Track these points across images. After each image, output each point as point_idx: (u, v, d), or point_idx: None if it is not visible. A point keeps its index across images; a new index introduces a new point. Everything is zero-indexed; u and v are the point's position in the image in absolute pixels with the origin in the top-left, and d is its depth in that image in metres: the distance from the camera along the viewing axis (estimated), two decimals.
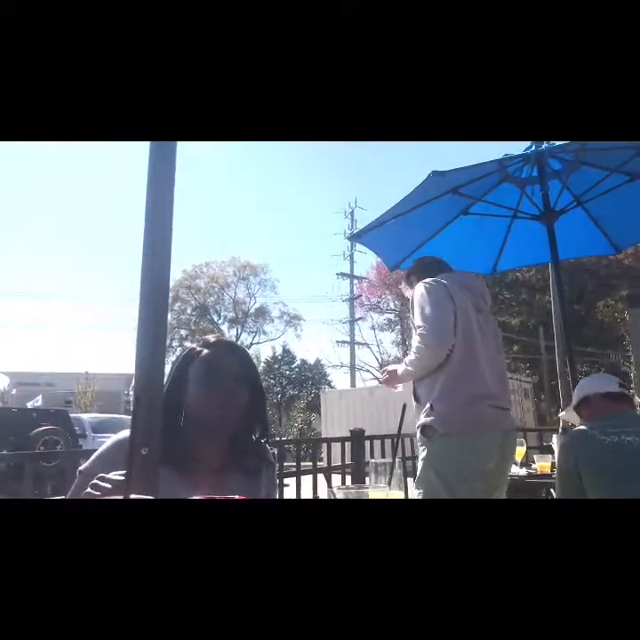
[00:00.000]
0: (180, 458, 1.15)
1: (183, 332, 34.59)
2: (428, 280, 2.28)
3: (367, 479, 3.27)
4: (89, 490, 0.90)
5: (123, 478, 0.90)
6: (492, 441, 2.08)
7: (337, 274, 30.76)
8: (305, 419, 29.29)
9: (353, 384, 27.70)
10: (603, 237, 3.50)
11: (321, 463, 3.09)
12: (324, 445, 3.24)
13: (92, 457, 1.19)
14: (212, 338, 1.32)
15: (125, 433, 1.19)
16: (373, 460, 1.03)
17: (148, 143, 0.77)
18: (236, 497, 0.77)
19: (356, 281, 30.80)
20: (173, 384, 1.22)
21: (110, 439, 1.22)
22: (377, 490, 0.94)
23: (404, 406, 1.07)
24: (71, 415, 11.50)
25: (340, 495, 0.94)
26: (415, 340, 2.12)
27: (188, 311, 35.38)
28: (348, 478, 3.27)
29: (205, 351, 1.26)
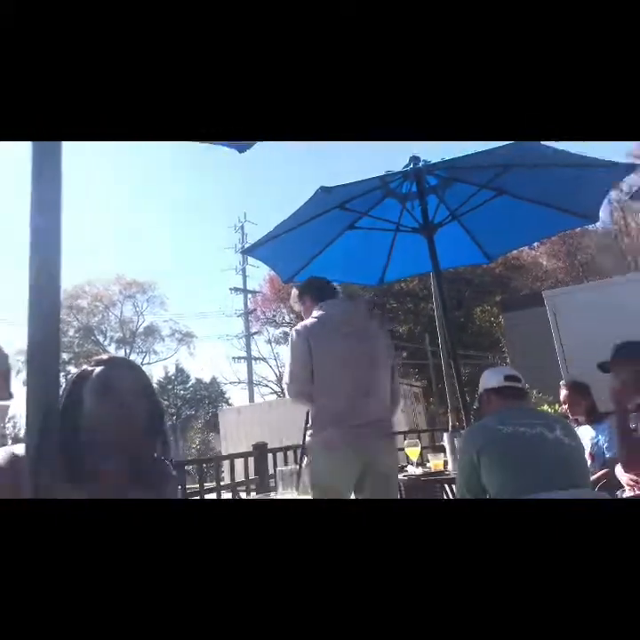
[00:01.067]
0: (84, 477, 1.12)
1: (65, 356, 32.34)
2: (294, 330, 2.67)
3: (273, 492, 3.26)
4: None
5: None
6: (342, 457, 2.30)
7: (230, 288, 30.46)
8: (203, 439, 28.52)
9: (251, 400, 27.44)
10: (476, 248, 3.82)
11: (224, 482, 3.05)
12: (226, 463, 3.20)
13: None
14: (104, 356, 1.32)
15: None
16: (280, 468, 1.05)
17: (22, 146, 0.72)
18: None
19: (249, 295, 30.69)
20: (68, 405, 1.19)
21: None
22: (285, 495, 0.96)
23: (308, 414, 1.11)
24: None
25: None
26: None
27: (71, 333, 33.16)
28: (254, 494, 3.26)
29: (98, 369, 1.25)
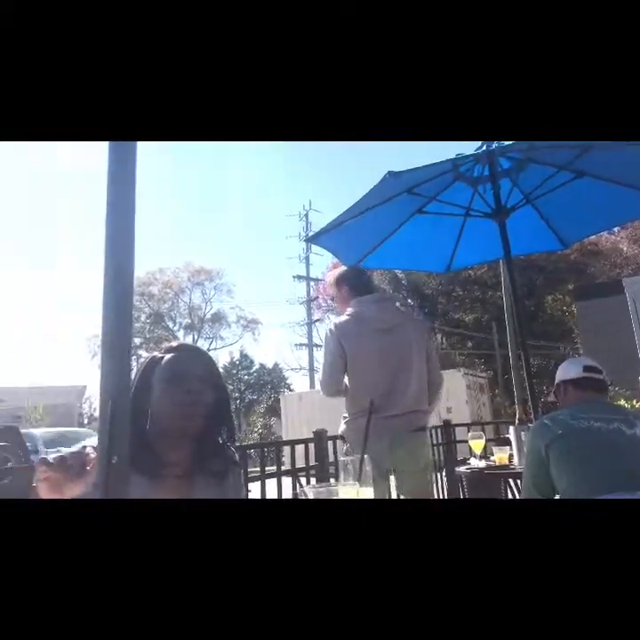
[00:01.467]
0: (149, 464, 1.14)
1: (137, 341, 33.83)
2: (328, 329, 2.85)
3: (332, 479, 3.27)
4: (37, 474, 0.92)
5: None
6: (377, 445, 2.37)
7: (294, 276, 30.79)
8: (265, 423, 29.13)
9: (312, 386, 27.73)
10: (551, 233, 3.62)
11: (284, 466, 3.07)
12: (286, 448, 3.22)
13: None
14: (174, 343, 1.34)
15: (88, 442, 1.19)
16: (342, 458, 1.02)
17: (99, 146, 0.74)
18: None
19: (312, 283, 30.88)
20: (138, 391, 1.21)
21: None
22: (347, 487, 0.93)
23: (371, 403, 1.07)
24: (22, 431, 11.11)
25: (310, 494, 0.93)
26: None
27: (142, 319, 34.62)
28: (313, 480, 3.27)
29: (168, 356, 1.27)
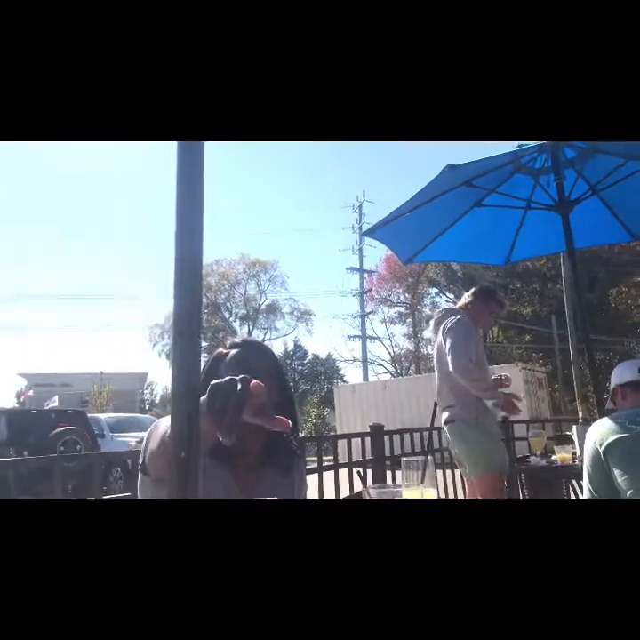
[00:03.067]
0: (222, 456, 1.17)
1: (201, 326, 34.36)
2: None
3: (390, 478, 3.27)
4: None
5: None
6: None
7: (347, 268, 30.72)
8: (319, 413, 29.35)
9: (365, 378, 27.72)
10: (619, 225, 3.47)
11: (340, 460, 3.10)
12: (342, 441, 3.25)
13: (142, 451, 1.18)
14: (238, 339, 1.37)
15: (161, 421, 1.24)
16: (405, 459, 1.03)
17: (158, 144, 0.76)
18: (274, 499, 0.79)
19: (365, 275, 30.74)
20: (206, 385, 1.23)
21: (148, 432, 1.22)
22: (411, 489, 0.95)
23: (436, 404, 1.08)
24: (89, 415, 11.61)
25: (374, 495, 0.95)
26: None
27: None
28: (369, 473, 3.29)
29: (234, 351, 1.30)
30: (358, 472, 3.09)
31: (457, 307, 3.41)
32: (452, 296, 27.96)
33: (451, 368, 2.98)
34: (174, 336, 0.84)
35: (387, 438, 3.34)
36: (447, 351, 3.05)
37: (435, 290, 28.83)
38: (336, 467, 2.91)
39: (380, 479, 3.23)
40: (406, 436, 3.61)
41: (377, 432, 3.26)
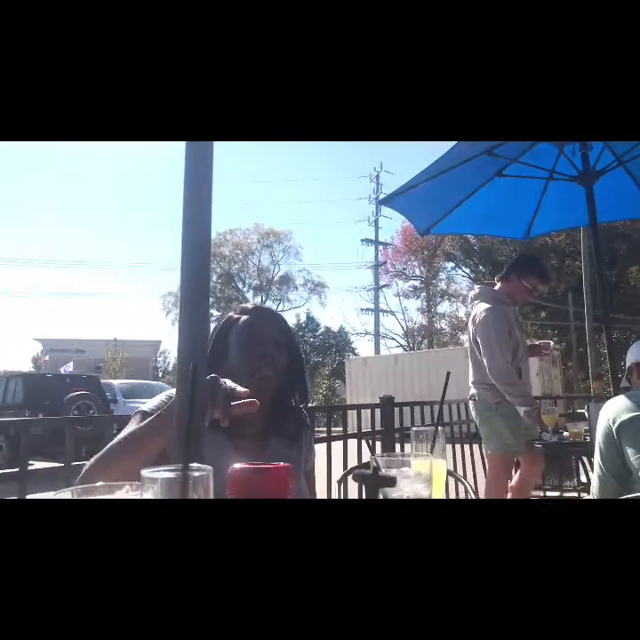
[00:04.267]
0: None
1: (209, 300, 34.62)
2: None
3: (399, 447, 3.27)
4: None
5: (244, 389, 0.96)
6: None
7: (362, 240, 30.40)
8: (329, 385, 29.53)
9: (377, 351, 27.72)
10: None
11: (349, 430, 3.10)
12: (351, 412, 3.24)
13: (153, 400, 1.18)
14: (249, 305, 1.34)
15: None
16: (415, 428, 1.01)
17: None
18: (281, 464, 0.77)
19: (381, 247, 30.43)
20: (215, 351, 1.22)
21: (165, 393, 1.22)
22: (419, 458, 0.92)
23: (448, 374, 1.04)
24: (102, 381, 11.81)
25: (381, 463, 0.93)
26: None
27: (214, 279, 35.49)
28: (378, 445, 3.29)
29: (244, 317, 1.27)
30: (367, 442, 3.09)
31: (495, 280, 3.30)
32: (467, 270, 27.66)
33: (487, 370, 3.02)
34: (180, 304, 0.82)
35: (397, 410, 3.32)
36: (482, 352, 3.06)
37: (451, 264, 28.56)
38: (345, 437, 2.91)
39: (389, 450, 3.23)
40: (417, 408, 3.59)
41: (387, 403, 3.25)
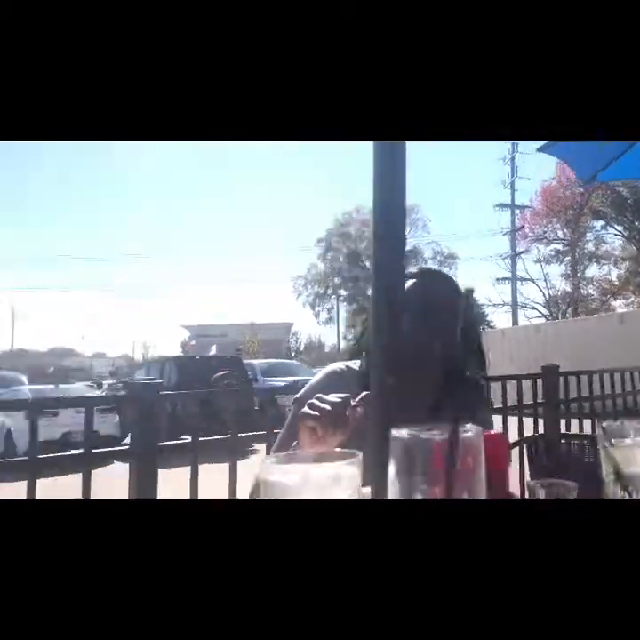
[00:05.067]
0: (401, 390, 1.07)
1: (337, 280, 35.37)
2: None
3: (564, 427, 2.99)
4: (306, 410, 0.93)
5: (341, 400, 0.93)
6: None
7: (494, 205, 28.65)
8: None
9: (515, 323, 26.25)
10: None
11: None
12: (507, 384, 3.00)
13: (306, 386, 1.20)
14: (414, 268, 1.24)
15: (335, 365, 1.18)
16: (605, 424, 0.79)
17: None
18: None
19: (517, 211, 28.45)
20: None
21: (322, 371, 1.25)
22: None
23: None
24: (243, 361, 12.69)
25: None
26: None
27: (341, 259, 35.95)
28: (541, 421, 3.02)
29: (411, 282, 1.17)
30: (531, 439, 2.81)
31: None
32: (620, 228, 25.03)
33: None
34: (374, 276, 0.77)
35: (562, 379, 3.01)
36: None
37: (600, 222, 26.00)
38: (505, 409, 2.68)
39: (551, 428, 2.94)
40: (584, 377, 3.22)
41: (551, 372, 2.94)
